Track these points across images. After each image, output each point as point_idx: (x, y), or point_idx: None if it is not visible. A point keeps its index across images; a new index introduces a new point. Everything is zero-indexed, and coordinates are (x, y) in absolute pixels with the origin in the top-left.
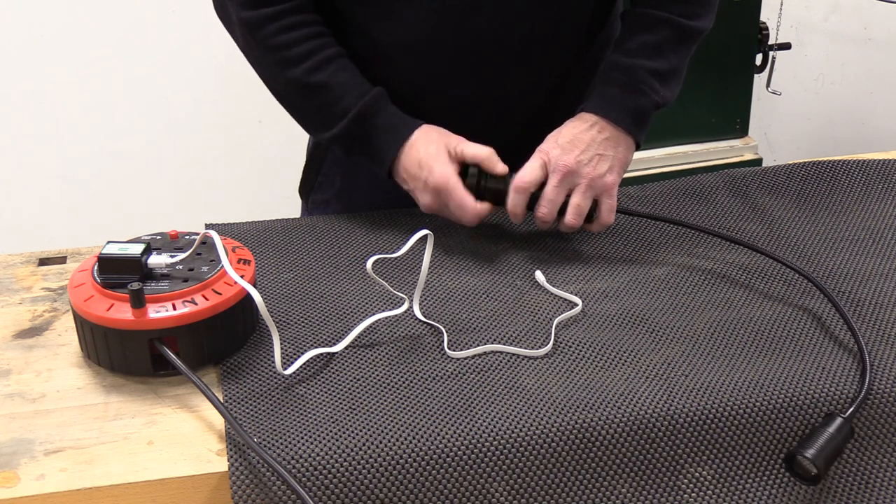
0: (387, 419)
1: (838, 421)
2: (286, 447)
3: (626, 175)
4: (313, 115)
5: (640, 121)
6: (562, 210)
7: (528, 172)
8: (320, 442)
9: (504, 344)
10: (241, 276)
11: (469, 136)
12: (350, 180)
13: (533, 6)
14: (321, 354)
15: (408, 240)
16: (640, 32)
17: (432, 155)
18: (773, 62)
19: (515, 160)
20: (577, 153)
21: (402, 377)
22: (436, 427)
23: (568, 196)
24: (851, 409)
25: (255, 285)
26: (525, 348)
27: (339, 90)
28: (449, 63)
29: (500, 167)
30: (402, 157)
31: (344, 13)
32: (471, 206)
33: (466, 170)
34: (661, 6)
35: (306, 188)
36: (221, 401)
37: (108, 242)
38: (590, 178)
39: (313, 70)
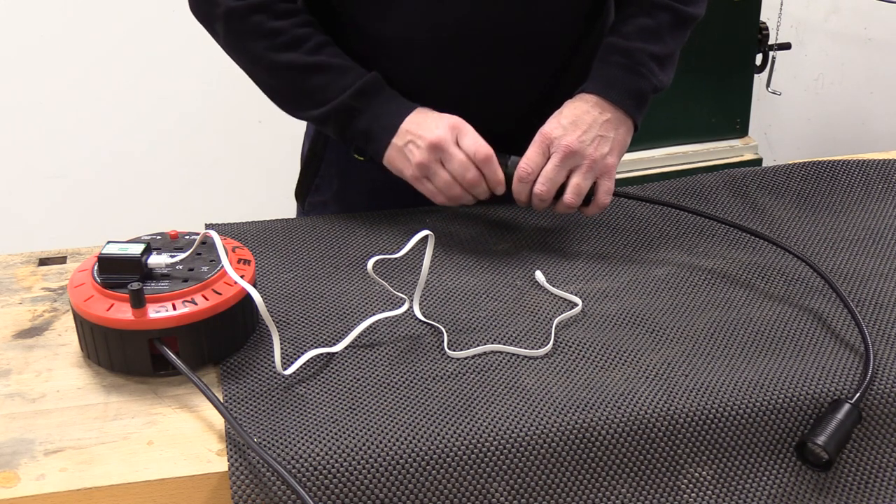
0: (387, 419)
1: (846, 407)
2: (286, 447)
3: (627, 175)
4: (307, 96)
5: (639, 103)
6: (559, 190)
7: (530, 161)
8: (320, 442)
9: (504, 344)
10: (241, 276)
11: None
12: (348, 182)
13: None
14: (321, 354)
15: (408, 240)
16: (637, 16)
17: (443, 116)
18: (773, 62)
19: (515, 150)
20: (580, 133)
21: (402, 377)
22: (436, 427)
23: (567, 177)
24: (858, 395)
25: (255, 285)
26: (525, 348)
27: (338, 70)
28: (447, 57)
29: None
30: (412, 116)
31: (339, 10)
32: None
33: None
34: None
35: (303, 190)
36: (221, 401)
37: (108, 242)
38: (591, 159)
39: (312, 52)
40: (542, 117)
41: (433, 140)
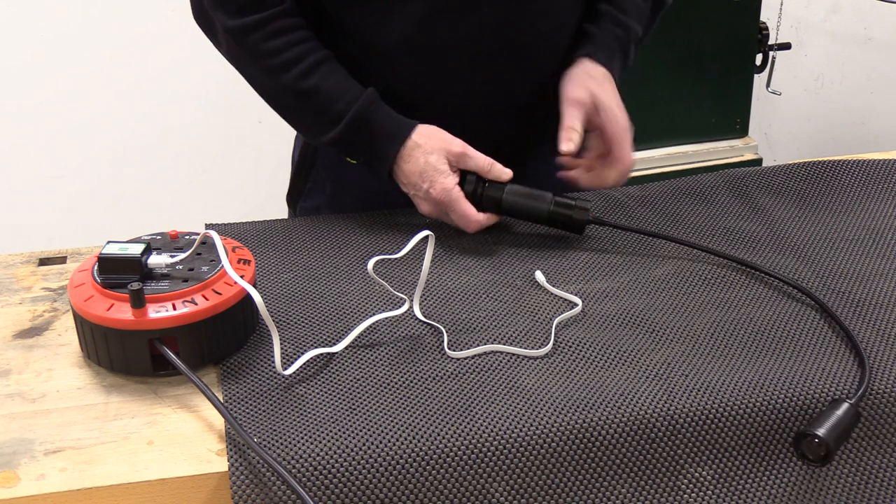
0: (387, 419)
1: (845, 405)
2: (286, 447)
3: None
4: (308, 120)
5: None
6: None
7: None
8: (320, 442)
9: (504, 344)
10: (241, 276)
11: (463, 132)
12: (341, 185)
13: (525, 4)
14: (321, 354)
15: (408, 240)
16: None
17: (432, 165)
18: (773, 62)
19: (509, 155)
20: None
21: (402, 377)
22: (436, 427)
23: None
24: (859, 394)
25: (255, 285)
26: (525, 348)
27: (330, 94)
28: (442, 63)
29: (505, 174)
30: (401, 161)
31: (334, 15)
32: (473, 216)
33: (465, 175)
34: None
35: (294, 195)
36: (221, 401)
37: (108, 242)
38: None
39: (303, 75)
40: (538, 120)
41: (425, 213)
